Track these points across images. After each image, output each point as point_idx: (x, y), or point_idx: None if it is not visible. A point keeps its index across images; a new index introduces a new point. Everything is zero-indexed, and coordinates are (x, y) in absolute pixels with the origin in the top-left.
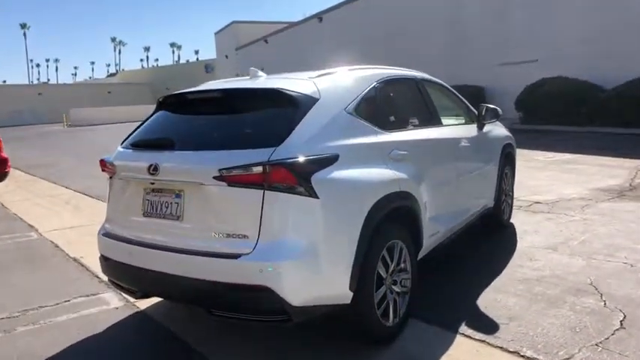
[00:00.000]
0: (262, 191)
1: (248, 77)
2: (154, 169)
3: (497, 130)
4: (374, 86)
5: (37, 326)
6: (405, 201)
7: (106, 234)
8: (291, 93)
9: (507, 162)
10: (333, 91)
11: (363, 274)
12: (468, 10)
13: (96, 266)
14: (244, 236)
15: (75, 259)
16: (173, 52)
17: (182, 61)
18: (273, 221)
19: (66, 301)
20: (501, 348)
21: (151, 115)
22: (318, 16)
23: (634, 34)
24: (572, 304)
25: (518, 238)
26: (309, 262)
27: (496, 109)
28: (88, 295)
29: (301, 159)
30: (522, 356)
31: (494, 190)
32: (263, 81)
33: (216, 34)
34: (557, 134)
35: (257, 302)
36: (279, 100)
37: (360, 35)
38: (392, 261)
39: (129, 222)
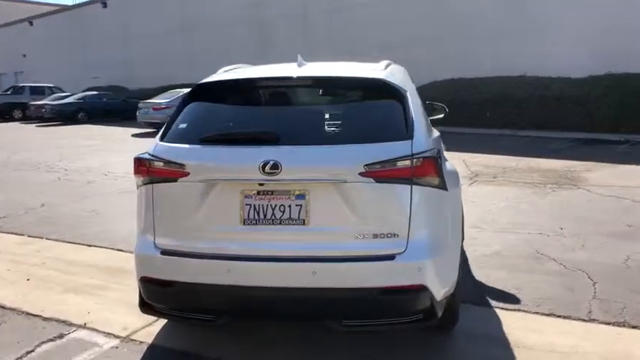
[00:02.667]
0: (410, 186)
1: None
2: (272, 168)
3: None
4: (409, 80)
5: None
6: None
7: (167, 252)
8: (393, 84)
9: None
10: (406, 85)
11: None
12: (271, 10)
13: (13, 301)
14: (394, 235)
15: None
16: None
17: None
18: (421, 216)
19: (29, 352)
20: (538, 313)
21: (187, 103)
22: (102, 1)
23: (423, 44)
24: (544, 270)
25: None
26: (447, 254)
27: (444, 107)
28: (53, 339)
29: (436, 151)
30: (559, 316)
31: None
32: (340, 69)
33: None
34: None
35: (411, 303)
36: (383, 90)
37: (152, 26)
38: None
39: (215, 234)
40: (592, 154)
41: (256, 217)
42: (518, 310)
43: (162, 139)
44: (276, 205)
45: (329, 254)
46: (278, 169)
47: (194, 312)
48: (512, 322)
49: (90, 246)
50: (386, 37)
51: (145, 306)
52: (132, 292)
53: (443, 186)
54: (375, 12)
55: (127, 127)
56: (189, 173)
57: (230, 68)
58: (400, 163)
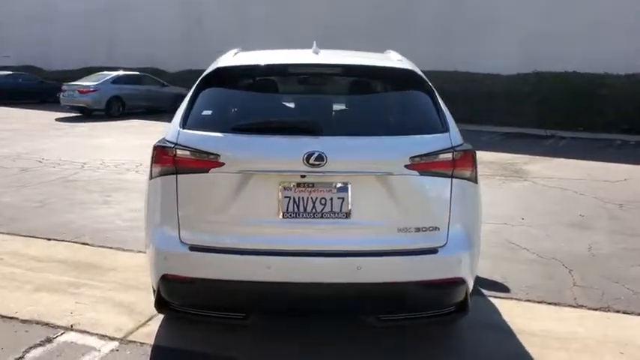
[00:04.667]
0: (450, 179)
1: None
2: (316, 159)
3: None
4: None
5: None
6: None
7: (197, 248)
8: (422, 76)
9: None
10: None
11: None
12: None
13: None
14: (436, 228)
15: None
16: None
17: None
18: (458, 209)
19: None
20: (530, 301)
21: (204, 87)
22: None
23: (357, 37)
24: (520, 259)
25: None
26: (476, 247)
27: None
28: (41, 344)
29: (470, 145)
30: (550, 303)
31: None
32: (361, 58)
33: None
34: None
35: (449, 296)
36: (413, 82)
37: (72, 4)
38: None
39: (251, 228)
40: (525, 147)
41: (296, 210)
42: (511, 298)
43: (183, 126)
44: (316, 198)
45: (372, 248)
46: (323, 160)
47: (222, 311)
48: (510, 311)
49: (49, 239)
50: (321, 27)
51: (163, 305)
52: (111, 289)
53: (475, 179)
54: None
55: (47, 110)
56: (223, 164)
57: (236, 52)
58: (443, 156)
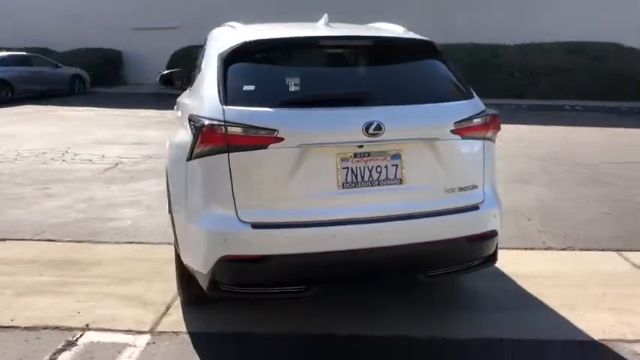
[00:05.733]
0: (483, 141)
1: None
2: (375, 129)
3: None
4: None
5: None
6: None
7: (259, 225)
8: (439, 47)
9: None
10: None
11: None
12: None
13: None
14: (475, 187)
15: None
16: None
17: None
18: (488, 167)
19: None
20: (509, 248)
21: (231, 62)
22: None
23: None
24: None
25: None
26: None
27: None
28: (65, 348)
29: (492, 109)
30: (527, 249)
31: None
32: (385, 32)
33: None
34: None
35: (485, 248)
36: (433, 53)
37: None
38: None
39: (312, 200)
40: None
41: (354, 179)
42: (507, 248)
43: (225, 102)
44: (372, 167)
45: (425, 210)
46: (381, 130)
47: (286, 285)
48: (510, 258)
49: (4, 240)
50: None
51: (213, 287)
52: (108, 284)
53: (494, 140)
54: None
55: None
56: (283, 139)
57: (239, 25)
58: (478, 120)
